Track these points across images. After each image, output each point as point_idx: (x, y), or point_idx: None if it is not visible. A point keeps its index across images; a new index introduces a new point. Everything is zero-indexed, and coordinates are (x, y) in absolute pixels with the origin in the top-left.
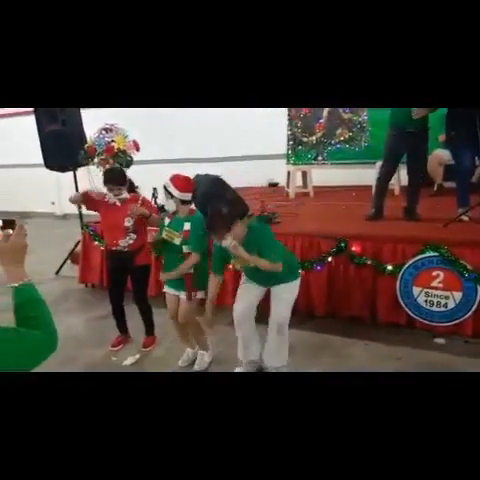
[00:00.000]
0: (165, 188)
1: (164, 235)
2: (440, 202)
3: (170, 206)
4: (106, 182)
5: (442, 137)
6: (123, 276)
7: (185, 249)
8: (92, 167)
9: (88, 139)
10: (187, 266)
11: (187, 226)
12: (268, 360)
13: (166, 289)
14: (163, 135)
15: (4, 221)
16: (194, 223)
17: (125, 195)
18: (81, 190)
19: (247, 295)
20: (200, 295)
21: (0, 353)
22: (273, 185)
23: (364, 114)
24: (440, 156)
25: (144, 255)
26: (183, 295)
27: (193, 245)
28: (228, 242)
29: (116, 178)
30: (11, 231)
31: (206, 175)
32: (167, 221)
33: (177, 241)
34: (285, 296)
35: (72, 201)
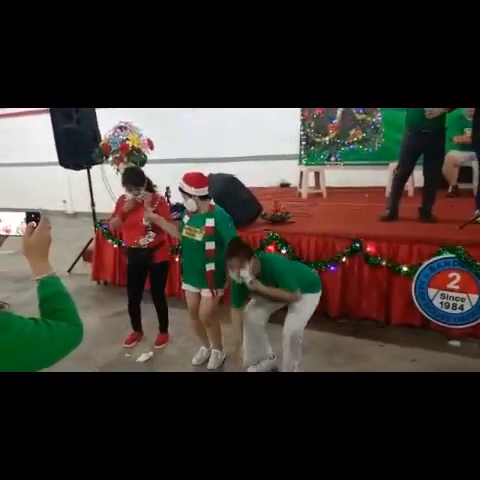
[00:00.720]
0: (181, 190)
1: (184, 233)
2: (455, 203)
3: (191, 206)
4: (125, 182)
5: (457, 138)
6: (142, 273)
7: (208, 246)
8: (106, 165)
9: (103, 137)
10: None
11: (209, 222)
12: (284, 364)
13: (185, 287)
14: (177, 134)
15: (28, 214)
16: (220, 218)
17: (143, 194)
18: (113, 209)
19: (259, 306)
20: (220, 292)
21: (34, 348)
22: (285, 186)
23: (378, 115)
24: (455, 157)
25: (163, 252)
26: (204, 292)
27: (231, 235)
28: (246, 274)
29: (135, 179)
30: (35, 224)
31: (219, 174)
32: (186, 218)
33: (199, 237)
34: (301, 309)
35: (115, 227)
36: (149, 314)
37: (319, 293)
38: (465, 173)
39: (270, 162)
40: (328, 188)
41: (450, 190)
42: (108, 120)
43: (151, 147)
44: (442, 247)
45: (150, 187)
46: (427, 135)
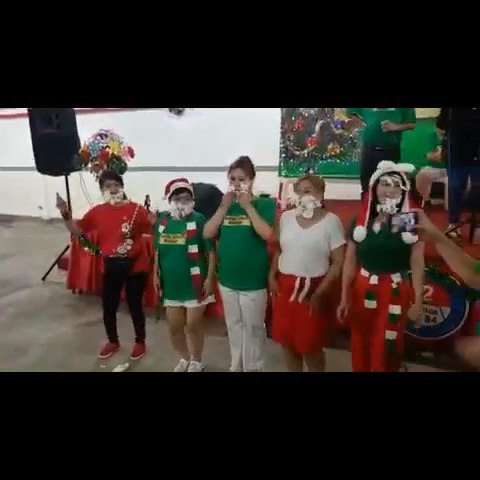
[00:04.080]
0: (190, 192)
1: (162, 241)
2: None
3: (188, 211)
4: (106, 176)
5: (430, 155)
6: (119, 283)
7: (191, 249)
8: (85, 172)
9: (82, 144)
10: (213, 267)
11: (191, 226)
12: (245, 362)
13: (168, 303)
14: (156, 143)
15: None
16: (201, 222)
17: (121, 194)
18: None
19: (231, 308)
20: (208, 300)
21: None
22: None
23: (355, 130)
24: (428, 174)
25: (142, 262)
26: (189, 304)
27: (210, 244)
28: (246, 187)
29: (116, 174)
30: None
31: (201, 184)
32: (162, 227)
33: (181, 241)
34: (256, 304)
35: (70, 230)
36: (126, 324)
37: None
38: (437, 189)
39: None
40: None
41: (422, 205)
42: (88, 127)
43: (131, 155)
44: None
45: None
46: (381, 152)
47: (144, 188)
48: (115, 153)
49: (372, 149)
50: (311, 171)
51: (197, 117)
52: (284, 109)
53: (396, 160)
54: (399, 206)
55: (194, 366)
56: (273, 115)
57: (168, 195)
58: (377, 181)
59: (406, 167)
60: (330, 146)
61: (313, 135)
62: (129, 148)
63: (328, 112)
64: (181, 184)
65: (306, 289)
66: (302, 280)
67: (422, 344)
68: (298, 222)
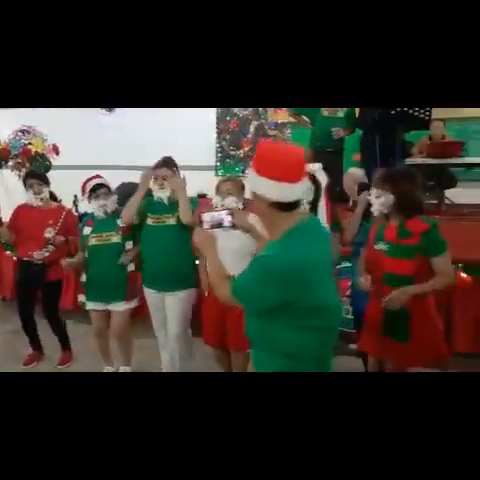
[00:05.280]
0: (107, 186)
1: (94, 242)
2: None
3: (112, 206)
4: (28, 176)
5: (356, 156)
6: (33, 290)
7: (128, 245)
8: (6, 171)
9: (2, 140)
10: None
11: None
12: (171, 367)
13: (92, 306)
14: (86, 140)
15: None
16: None
17: (45, 194)
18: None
19: (156, 310)
20: (135, 302)
21: None
22: (202, 196)
23: (288, 132)
24: (354, 174)
25: (56, 269)
26: (115, 306)
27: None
28: (179, 180)
29: (39, 173)
30: None
31: (130, 183)
32: (88, 229)
33: (117, 239)
34: (183, 304)
35: (4, 239)
36: (50, 331)
37: (195, 290)
38: (363, 189)
39: (186, 172)
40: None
41: (351, 204)
42: (8, 122)
43: (56, 152)
44: (341, 257)
45: (54, 199)
46: (329, 154)
47: (72, 188)
48: (38, 150)
49: (320, 151)
50: (247, 171)
51: (130, 115)
52: (219, 109)
53: (341, 161)
54: (313, 204)
55: (124, 370)
56: (209, 114)
57: (86, 195)
58: None
59: (311, 167)
60: None
61: (248, 136)
62: (54, 145)
63: (262, 113)
64: (96, 181)
65: None
66: None
67: (349, 336)
68: None
